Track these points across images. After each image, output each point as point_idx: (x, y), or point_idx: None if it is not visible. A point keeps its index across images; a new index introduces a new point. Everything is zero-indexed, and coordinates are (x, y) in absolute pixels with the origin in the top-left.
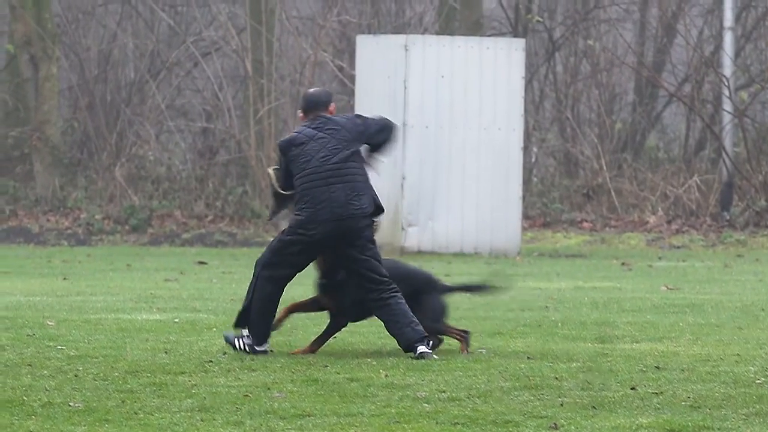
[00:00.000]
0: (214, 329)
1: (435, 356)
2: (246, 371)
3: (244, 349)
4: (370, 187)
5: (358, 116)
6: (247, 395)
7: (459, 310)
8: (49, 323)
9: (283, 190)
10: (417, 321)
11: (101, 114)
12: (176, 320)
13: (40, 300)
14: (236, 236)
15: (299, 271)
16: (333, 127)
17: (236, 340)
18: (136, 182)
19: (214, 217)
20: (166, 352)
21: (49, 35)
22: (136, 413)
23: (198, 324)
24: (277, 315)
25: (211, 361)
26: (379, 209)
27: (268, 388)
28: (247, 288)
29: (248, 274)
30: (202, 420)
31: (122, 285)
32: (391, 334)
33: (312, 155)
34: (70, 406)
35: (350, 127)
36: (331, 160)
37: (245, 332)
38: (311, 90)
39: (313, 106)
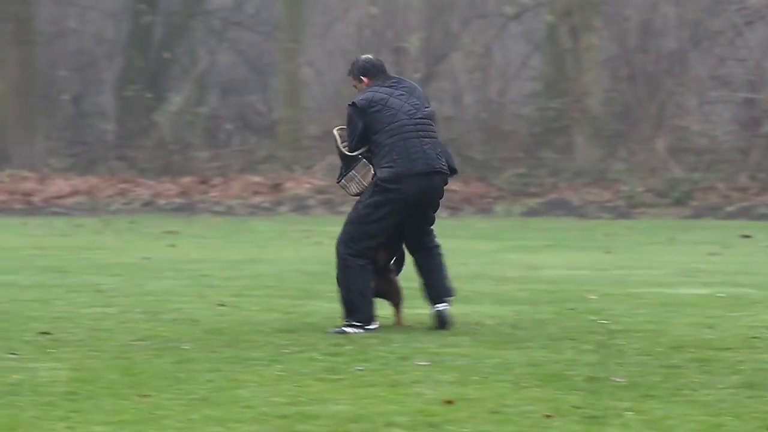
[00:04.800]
0: (760, 304)
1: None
2: None
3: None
4: (445, 148)
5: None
6: None
7: None
8: (591, 297)
9: (350, 151)
10: (449, 279)
11: (642, 85)
12: (720, 295)
13: (582, 273)
14: None
15: (384, 239)
16: (407, 86)
17: (343, 328)
18: (678, 154)
19: (759, 189)
20: (710, 327)
21: (589, 5)
22: (680, 389)
23: (743, 299)
24: None
25: (756, 337)
26: (453, 170)
27: None
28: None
29: None
30: (748, 397)
31: (664, 259)
32: (423, 281)
33: (397, 109)
34: (613, 381)
35: (420, 91)
36: (416, 115)
37: (348, 320)
38: (369, 56)
39: (380, 70)
